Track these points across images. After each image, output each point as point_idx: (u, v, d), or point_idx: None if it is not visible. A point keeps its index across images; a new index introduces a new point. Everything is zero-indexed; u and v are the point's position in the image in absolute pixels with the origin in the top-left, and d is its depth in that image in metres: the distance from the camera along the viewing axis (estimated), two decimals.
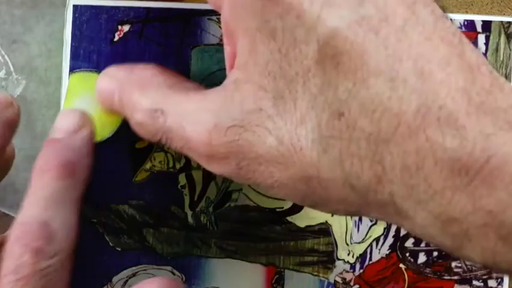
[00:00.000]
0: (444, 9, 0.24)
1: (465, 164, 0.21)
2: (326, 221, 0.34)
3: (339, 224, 0.34)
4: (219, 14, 0.32)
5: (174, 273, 0.33)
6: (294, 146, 0.23)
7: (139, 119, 0.27)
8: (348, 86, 0.22)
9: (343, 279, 0.34)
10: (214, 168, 0.25)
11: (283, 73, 0.23)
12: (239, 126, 0.24)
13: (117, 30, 0.31)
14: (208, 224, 0.33)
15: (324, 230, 0.34)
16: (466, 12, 0.35)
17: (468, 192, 0.21)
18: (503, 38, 0.34)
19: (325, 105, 0.22)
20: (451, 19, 0.23)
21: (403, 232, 0.34)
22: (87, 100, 0.31)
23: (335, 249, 0.34)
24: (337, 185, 0.23)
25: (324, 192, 0.23)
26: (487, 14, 0.34)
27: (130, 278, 0.32)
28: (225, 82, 0.25)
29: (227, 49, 0.26)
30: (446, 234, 0.22)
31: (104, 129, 0.31)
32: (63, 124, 0.30)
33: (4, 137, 0.29)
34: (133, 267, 0.33)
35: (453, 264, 0.35)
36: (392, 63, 0.21)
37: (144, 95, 0.27)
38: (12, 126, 0.29)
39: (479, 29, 0.33)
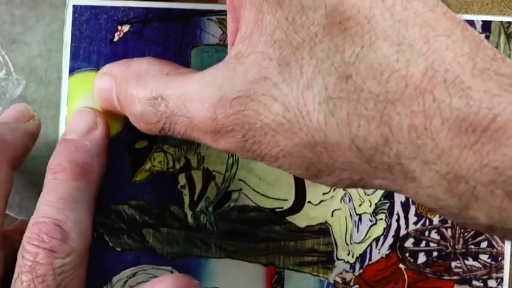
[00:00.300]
0: (448, 6, 0.24)
1: (472, 122, 0.21)
2: (326, 221, 0.34)
3: (338, 224, 0.34)
4: (219, 14, 0.32)
5: (173, 273, 0.33)
6: (301, 111, 0.23)
7: (139, 110, 0.27)
8: (355, 50, 0.22)
9: (343, 279, 0.34)
10: (220, 144, 0.25)
11: (290, 40, 0.23)
12: (245, 96, 0.24)
13: (116, 30, 0.31)
14: (208, 224, 0.33)
15: (324, 230, 0.34)
16: (466, 12, 0.35)
17: (475, 150, 0.21)
18: (503, 38, 0.34)
19: (332, 68, 0.23)
20: None
21: (402, 232, 0.34)
22: (89, 100, 0.31)
23: (335, 249, 0.34)
24: (343, 148, 0.23)
25: (329, 158, 0.23)
26: (487, 14, 0.34)
27: (130, 278, 0.32)
28: (226, 58, 0.25)
29: (230, 25, 0.26)
30: (453, 194, 0.22)
31: None
32: (76, 125, 0.30)
33: (27, 148, 0.30)
34: (133, 267, 0.33)
35: (453, 264, 0.35)
36: (399, 29, 0.22)
37: (142, 86, 0.27)
38: (34, 137, 0.31)
39: (479, 29, 0.33)
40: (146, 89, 0.27)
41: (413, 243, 0.34)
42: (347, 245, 0.34)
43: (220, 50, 0.32)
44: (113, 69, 0.30)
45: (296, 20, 0.23)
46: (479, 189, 0.21)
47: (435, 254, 0.35)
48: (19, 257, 0.27)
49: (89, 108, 0.31)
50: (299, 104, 0.23)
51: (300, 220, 0.34)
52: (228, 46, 0.26)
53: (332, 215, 0.34)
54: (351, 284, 0.34)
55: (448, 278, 0.35)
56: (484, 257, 0.35)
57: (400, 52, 0.22)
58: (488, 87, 0.21)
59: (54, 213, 0.27)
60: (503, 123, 0.21)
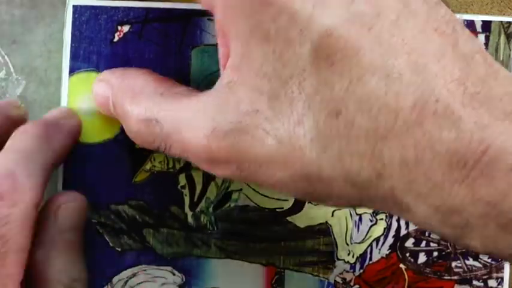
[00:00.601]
0: (448, 5, 0.24)
1: (463, 156, 0.21)
2: (326, 221, 0.34)
3: (339, 224, 0.34)
4: None
5: (174, 274, 0.33)
6: (293, 145, 0.23)
7: (134, 128, 0.27)
8: (344, 85, 0.22)
9: (343, 279, 0.34)
10: (216, 172, 0.25)
11: (278, 74, 0.23)
12: (237, 129, 0.24)
13: (116, 30, 0.31)
14: (208, 224, 0.33)
15: (324, 230, 0.34)
16: (466, 12, 0.35)
17: (467, 183, 0.21)
18: (503, 38, 0.34)
19: (321, 104, 0.22)
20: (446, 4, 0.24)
21: (403, 232, 0.34)
22: (89, 100, 0.31)
23: (335, 249, 0.34)
24: (337, 182, 0.23)
25: (325, 189, 0.24)
26: (487, 14, 0.34)
27: (130, 278, 0.32)
28: (218, 84, 0.25)
29: (221, 50, 0.26)
30: (446, 225, 0.22)
31: (106, 130, 0.31)
32: (52, 112, 0.31)
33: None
34: (134, 268, 0.33)
35: (453, 264, 0.35)
36: (387, 59, 0.22)
37: (136, 104, 0.27)
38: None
39: (479, 29, 0.33)
40: (140, 108, 0.27)
41: (413, 243, 0.34)
42: (347, 245, 0.34)
43: None
44: (110, 78, 0.29)
45: (283, 54, 0.23)
46: (473, 221, 0.21)
47: (435, 254, 0.35)
48: None
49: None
50: (291, 138, 0.23)
51: (300, 220, 0.34)
52: (220, 68, 0.26)
53: (332, 215, 0.34)
54: (351, 284, 0.34)
55: (449, 278, 0.35)
56: (484, 257, 0.35)
57: (388, 85, 0.21)
58: (479, 118, 0.21)
59: (9, 164, 0.27)
60: (494, 155, 0.21)
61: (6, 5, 0.33)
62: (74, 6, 0.31)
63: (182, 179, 0.33)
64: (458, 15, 0.33)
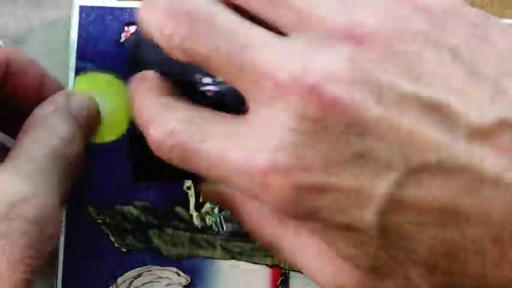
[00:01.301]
0: None
1: None
2: None
3: None
4: None
5: (179, 274, 0.33)
6: None
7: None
8: None
9: None
10: None
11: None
12: None
13: (123, 31, 0.31)
14: (213, 225, 0.33)
15: None
16: None
17: None
18: None
19: None
20: None
21: None
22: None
23: None
24: None
25: None
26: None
27: (135, 278, 0.32)
28: None
29: None
30: None
31: (111, 131, 0.31)
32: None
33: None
34: (138, 268, 0.33)
35: None
36: None
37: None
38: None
39: None
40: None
41: None
42: None
43: None
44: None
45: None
46: None
47: None
48: None
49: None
50: None
51: None
52: None
53: None
54: None
55: None
56: None
57: None
58: None
59: None
60: None
61: (10, 4, 0.33)
62: (80, 6, 0.31)
63: (187, 180, 0.33)
64: None
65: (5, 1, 0.33)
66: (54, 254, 0.31)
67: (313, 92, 0.21)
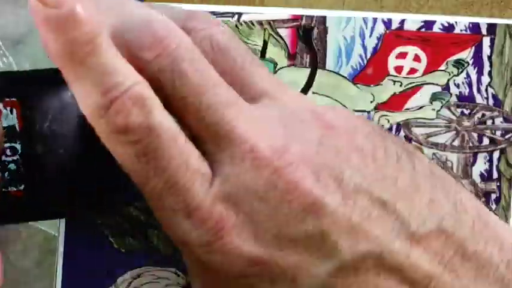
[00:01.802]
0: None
1: None
2: None
3: None
4: (223, 16, 0.32)
5: (178, 275, 0.33)
6: None
7: None
8: None
9: None
10: None
11: None
12: None
13: None
14: None
15: None
16: (466, 13, 0.35)
17: None
18: (508, 40, 0.34)
19: None
20: None
21: None
22: None
23: None
24: None
25: None
26: (487, 14, 0.34)
27: (135, 279, 0.33)
28: None
29: None
30: None
31: None
32: None
33: None
34: (138, 269, 0.33)
35: None
36: None
37: None
38: None
39: (484, 31, 0.33)
40: None
41: None
42: None
43: None
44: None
45: None
46: None
47: None
48: None
49: None
50: None
51: None
52: None
53: None
54: None
55: None
56: None
57: None
58: None
59: None
60: None
61: (11, 5, 0.33)
62: None
63: None
64: (463, 18, 0.33)
65: (5, 1, 0.33)
66: (53, 254, 0.32)
67: (287, 168, 0.22)
